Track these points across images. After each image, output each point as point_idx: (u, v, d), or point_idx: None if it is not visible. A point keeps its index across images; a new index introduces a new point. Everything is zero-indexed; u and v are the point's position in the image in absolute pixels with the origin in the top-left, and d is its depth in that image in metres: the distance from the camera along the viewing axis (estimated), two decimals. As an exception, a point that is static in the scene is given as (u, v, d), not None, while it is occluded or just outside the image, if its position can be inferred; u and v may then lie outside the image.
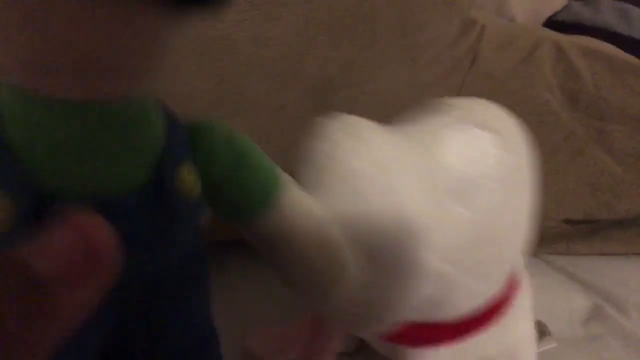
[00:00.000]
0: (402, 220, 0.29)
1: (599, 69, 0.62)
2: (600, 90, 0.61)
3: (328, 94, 0.51)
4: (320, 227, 0.27)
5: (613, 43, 0.67)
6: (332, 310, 0.37)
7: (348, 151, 0.30)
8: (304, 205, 0.27)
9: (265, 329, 0.47)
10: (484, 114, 0.35)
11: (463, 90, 0.58)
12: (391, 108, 0.40)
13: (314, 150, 0.31)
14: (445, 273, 0.32)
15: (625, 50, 0.65)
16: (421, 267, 0.31)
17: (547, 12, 0.82)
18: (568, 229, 0.63)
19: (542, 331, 0.50)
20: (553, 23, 0.80)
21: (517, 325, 0.43)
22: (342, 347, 0.47)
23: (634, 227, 0.62)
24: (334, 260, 0.28)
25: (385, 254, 0.30)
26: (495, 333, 0.40)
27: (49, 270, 0.14)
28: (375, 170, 0.29)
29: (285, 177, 0.27)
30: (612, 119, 0.61)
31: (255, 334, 0.47)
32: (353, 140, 0.30)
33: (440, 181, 0.31)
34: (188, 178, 0.23)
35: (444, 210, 0.31)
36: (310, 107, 0.49)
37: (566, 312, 0.57)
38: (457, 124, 0.33)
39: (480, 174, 0.32)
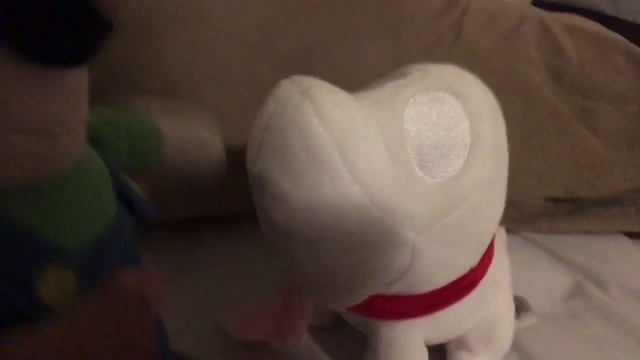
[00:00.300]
0: (370, 190, 0.29)
1: (583, 46, 0.61)
2: (584, 68, 0.60)
3: (305, 66, 0.50)
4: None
5: (599, 23, 0.66)
6: (304, 286, 0.36)
7: (307, 116, 0.28)
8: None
9: (237, 305, 0.46)
10: (451, 79, 0.34)
11: (445, 65, 0.58)
12: (372, 82, 0.39)
13: (270, 113, 0.30)
14: (413, 241, 0.31)
15: (612, 31, 0.64)
16: (392, 237, 0.30)
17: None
18: (550, 207, 0.62)
19: (522, 306, 0.50)
20: (541, 3, 0.79)
21: (494, 299, 0.42)
22: (317, 321, 0.47)
23: (615, 205, 0.62)
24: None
25: (355, 227, 0.29)
26: (470, 306, 0.40)
27: (149, 294, 0.23)
28: (335, 134, 0.28)
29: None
30: (597, 97, 0.60)
31: (228, 310, 0.46)
32: (314, 104, 0.29)
33: (404, 147, 0.31)
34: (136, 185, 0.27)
35: (409, 176, 0.31)
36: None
37: (547, 289, 0.57)
38: (422, 89, 0.32)
39: (444, 140, 0.31)
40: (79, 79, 0.21)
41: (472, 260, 0.36)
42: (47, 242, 0.22)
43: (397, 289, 0.35)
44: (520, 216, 0.62)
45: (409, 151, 0.31)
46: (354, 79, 0.53)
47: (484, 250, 0.37)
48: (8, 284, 0.21)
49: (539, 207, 0.62)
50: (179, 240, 0.58)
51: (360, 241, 0.30)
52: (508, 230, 0.52)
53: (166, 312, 0.49)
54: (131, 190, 0.26)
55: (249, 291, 0.51)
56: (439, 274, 0.35)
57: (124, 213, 0.25)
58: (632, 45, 0.61)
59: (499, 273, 0.42)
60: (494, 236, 0.41)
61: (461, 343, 0.44)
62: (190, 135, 0.33)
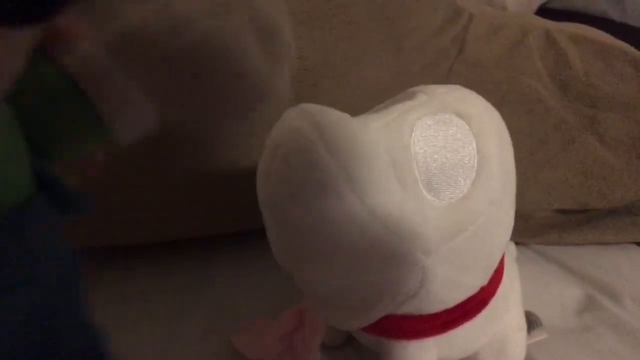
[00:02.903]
0: (379, 214, 0.29)
1: (588, 55, 0.61)
2: (590, 78, 0.60)
3: (309, 85, 0.50)
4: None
5: (607, 30, 0.66)
6: (315, 307, 0.36)
7: (315, 144, 0.28)
8: None
9: (250, 323, 0.46)
10: (457, 101, 0.34)
11: (450, 79, 0.58)
12: (376, 99, 0.39)
13: (278, 142, 0.30)
14: (423, 262, 0.31)
15: (619, 37, 0.64)
16: (401, 259, 0.30)
17: (539, 0, 0.81)
18: (560, 219, 0.62)
19: (533, 322, 0.49)
20: (545, 11, 0.79)
21: (505, 315, 0.42)
22: (329, 341, 0.47)
23: (626, 215, 0.61)
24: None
25: (365, 251, 0.29)
26: (482, 324, 0.39)
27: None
28: (342, 162, 0.28)
29: None
30: (603, 106, 0.60)
31: (241, 329, 0.46)
32: (321, 132, 0.29)
33: (412, 170, 0.31)
34: None
35: (417, 199, 0.30)
36: (291, 99, 0.48)
37: (559, 303, 0.56)
38: (429, 111, 0.32)
39: (450, 163, 0.31)
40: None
41: (482, 279, 0.36)
42: None
43: (407, 309, 0.35)
44: (529, 229, 0.61)
45: (416, 174, 0.31)
46: (357, 95, 0.54)
47: (494, 269, 0.37)
48: None
49: (549, 219, 0.62)
50: (192, 259, 0.58)
51: (370, 264, 0.29)
52: (517, 243, 0.51)
53: (179, 330, 0.50)
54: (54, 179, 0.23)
55: (262, 310, 0.50)
56: (449, 294, 0.35)
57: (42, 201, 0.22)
58: (638, 52, 0.61)
59: (510, 289, 0.42)
60: (504, 253, 0.41)
61: (473, 361, 0.43)
62: None
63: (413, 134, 0.31)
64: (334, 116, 0.30)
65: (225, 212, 0.54)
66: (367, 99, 0.40)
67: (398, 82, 0.53)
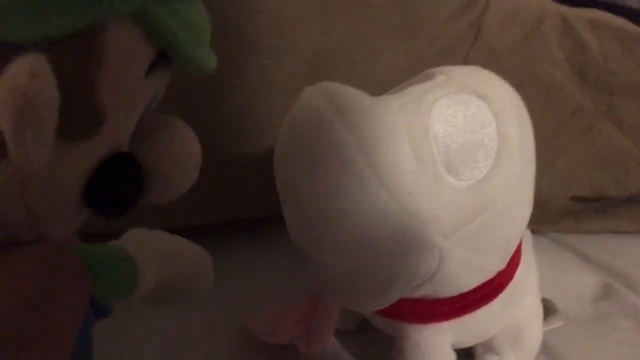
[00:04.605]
0: (397, 195, 0.28)
1: (606, 41, 0.60)
2: (608, 63, 0.59)
3: (324, 70, 0.49)
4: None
5: (623, 17, 0.65)
6: (331, 289, 0.36)
7: (333, 122, 0.28)
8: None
9: (264, 307, 0.46)
10: (477, 82, 0.33)
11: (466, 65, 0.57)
12: (390, 84, 0.39)
13: (296, 120, 0.30)
14: (440, 245, 0.31)
15: (636, 24, 0.63)
16: (419, 241, 0.30)
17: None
18: (577, 207, 0.61)
19: (549, 309, 0.49)
20: (561, -1, 0.78)
21: (521, 302, 0.42)
22: (342, 325, 0.47)
23: (643, 204, 0.61)
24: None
25: (382, 232, 0.29)
26: (498, 309, 0.39)
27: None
28: (361, 140, 0.28)
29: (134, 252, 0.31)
30: (621, 93, 0.59)
31: (255, 313, 0.46)
32: (339, 110, 0.28)
33: (430, 150, 0.30)
34: None
35: (435, 180, 0.30)
36: (305, 84, 0.48)
37: (575, 291, 0.55)
38: (447, 91, 0.32)
39: (470, 143, 0.31)
40: None
41: (499, 263, 0.36)
42: None
43: (424, 292, 0.35)
44: (545, 216, 0.60)
45: (435, 155, 0.30)
46: (373, 80, 0.53)
47: (512, 254, 0.36)
48: None
49: (565, 206, 0.61)
50: (206, 244, 0.58)
51: (388, 245, 0.29)
52: (533, 231, 0.51)
53: (189, 320, 0.50)
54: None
55: (276, 295, 0.51)
56: (466, 278, 0.35)
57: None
58: (657, 39, 0.60)
59: (526, 275, 0.42)
60: (521, 238, 0.40)
61: (489, 346, 0.43)
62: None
63: (432, 113, 0.31)
64: (353, 94, 0.30)
65: (235, 198, 0.54)
66: (381, 84, 0.40)
67: (413, 68, 0.53)
